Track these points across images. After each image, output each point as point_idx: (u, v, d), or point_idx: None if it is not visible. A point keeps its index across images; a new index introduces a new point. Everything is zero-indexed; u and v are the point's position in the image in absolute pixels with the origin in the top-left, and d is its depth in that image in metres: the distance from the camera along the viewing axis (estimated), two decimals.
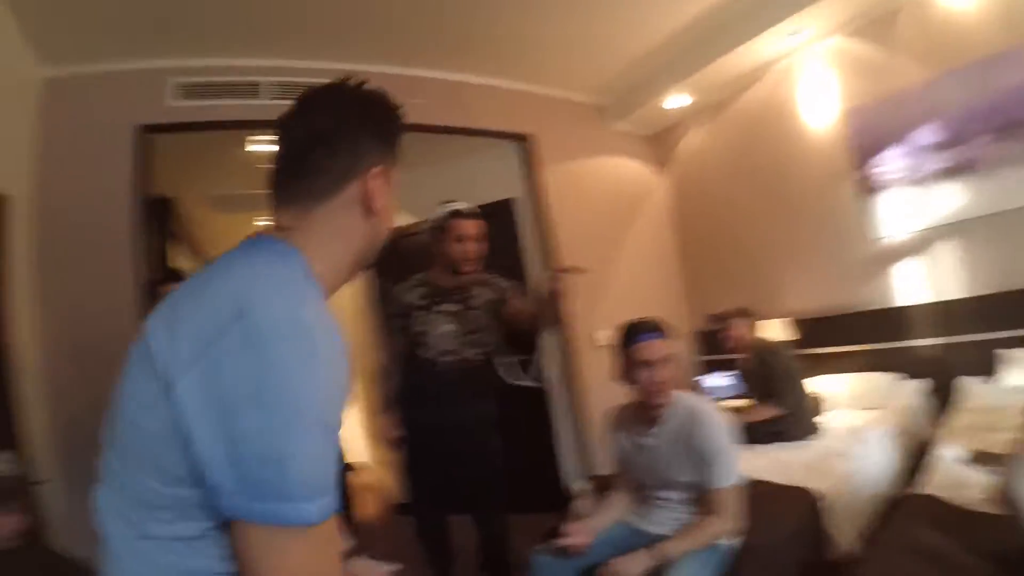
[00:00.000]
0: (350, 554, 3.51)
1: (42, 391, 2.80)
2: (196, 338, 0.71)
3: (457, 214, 2.63)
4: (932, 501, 2.06)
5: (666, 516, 2.15)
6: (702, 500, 2.04)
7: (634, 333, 2.11)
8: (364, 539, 3.55)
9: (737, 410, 3.27)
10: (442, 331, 2.64)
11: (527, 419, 4.26)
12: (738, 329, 3.46)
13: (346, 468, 4.20)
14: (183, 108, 3.33)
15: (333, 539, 0.76)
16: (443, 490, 2.71)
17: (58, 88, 3.11)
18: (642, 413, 2.17)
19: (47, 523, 2.47)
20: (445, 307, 2.66)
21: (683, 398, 2.13)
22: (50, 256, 2.93)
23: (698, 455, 2.01)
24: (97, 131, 3.13)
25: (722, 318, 3.53)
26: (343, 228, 0.90)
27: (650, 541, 1.98)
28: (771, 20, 3.75)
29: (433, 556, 2.78)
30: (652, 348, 2.06)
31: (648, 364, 2.05)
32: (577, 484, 3.98)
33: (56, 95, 3.10)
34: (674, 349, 2.12)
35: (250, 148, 4.11)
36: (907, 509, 2.08)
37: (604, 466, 2.65)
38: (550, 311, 2.44)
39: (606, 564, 1.93)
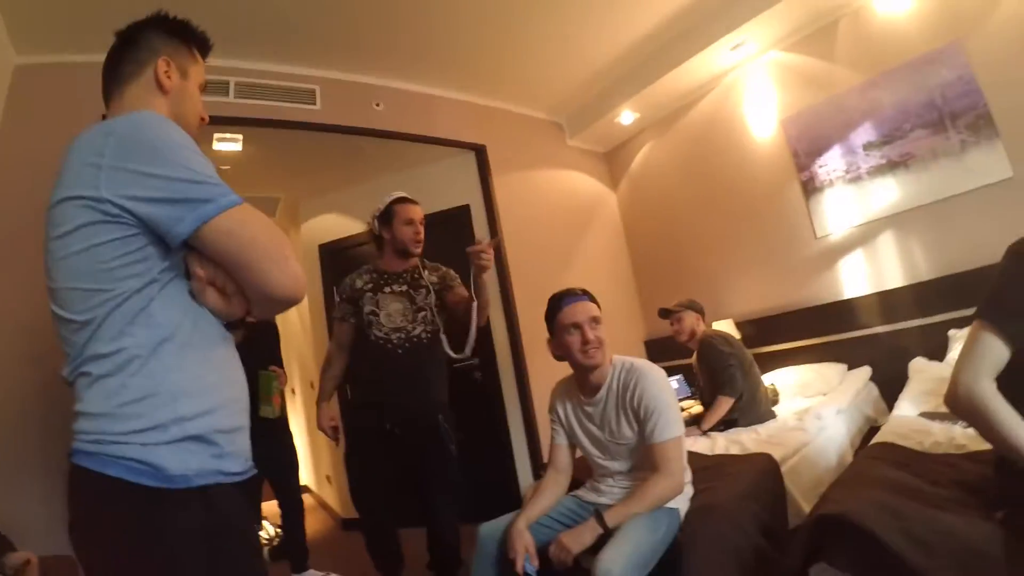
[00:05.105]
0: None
1: None
2: (86, 164, 1.00)
3: (403, 199, 2.75)
4: (892, 447, 2.06)
5: (615, 486, 2.11)
6: (645, 458, 2.00)
7: (559, 299, 2.13)
8: (313, 555, 3.45)
9: (696, 419, 3.27)
10: (391, 309, 2.68)
11: (481, 420, 4.19)
12: (688, 320, 3.46)
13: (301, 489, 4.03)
14: None
15: (258, 212, 1.07)
16: (390, 502, 2.68)
17: (29, 74, 3.05)
18: (583, 380, 2.14)
19: None
20: (394, 287, 2.71)
21: (622, 360, 2.12)
22: None
23: (639, 411, 1.99)
24: (62, 118, 2.95)
25: (672, 311, 3.53)
26: (140, 102, 1.20)
27: (599, 511, 1.91)
28: (712, 37, 3.95)
29: (383, 564, 2.75)
30: (578, 309, 2.07)
31: (577, 325, 2.05)
32: (529, 487, 3.86)
33: (26, 80, 3.04)
34: (596, 312, 2.10)
35: (217, 146, 4.03)
36: (869, 453, 2.08)
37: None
38: (475, 283, 2.51)
39: (555, 540, 1.85)
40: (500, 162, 4.59)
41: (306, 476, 6.07)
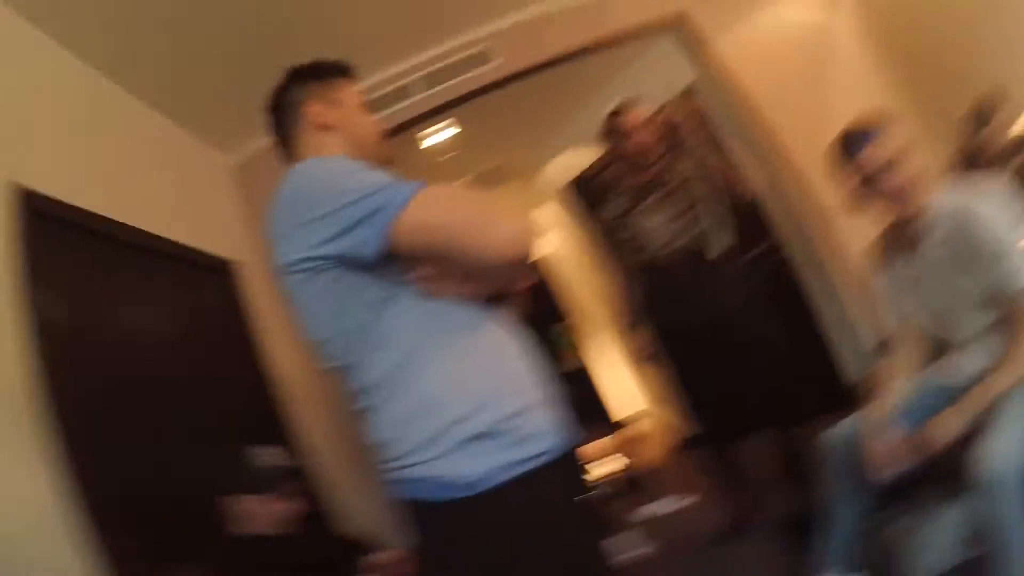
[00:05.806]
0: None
1: (318, 412, 3.00)
2: (277, 237, 1.08)
3: (616, 112, 2.63)
4: None
5: (968, 358, 1.74)
6: (1000, 317, 1.62)
7: (847, 147, 1.75)
8: (662, 481, 3.55)
9: None
10: (651, 226, 2.57)
11: (787, 312, 3.81)
12: (1002, 115, 2.74)
13: (615, 425, 4.17)
14: None
15: (442, 189, 1.03)
16: (724, 416, 2.60)
17: (247, 167, 3.40)
18: (901, 233, 1.79)
19: (329, 509, 2.65)
20: (647, 202, 2.60)
21: (942, 196, 1.71)
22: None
23: (982, 256, 1.60)
24: None
25: (979, 112, 2.83)
26: (314, 148, 1.24)
27: (957, 393, 1.60)
28: None
29: (727, 481, 2.71)
30: (866, 158, 1.69)
31: (873, 178, 1.69)
32: (862, 370, 3.47)
33: (248, 173, 3.39)
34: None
35: (425, 144, 4.23)
36: None
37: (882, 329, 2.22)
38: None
39: (912, 436, 1.60)
40: (707, 24, 3.94)
41: (640, 403, 6.25)
